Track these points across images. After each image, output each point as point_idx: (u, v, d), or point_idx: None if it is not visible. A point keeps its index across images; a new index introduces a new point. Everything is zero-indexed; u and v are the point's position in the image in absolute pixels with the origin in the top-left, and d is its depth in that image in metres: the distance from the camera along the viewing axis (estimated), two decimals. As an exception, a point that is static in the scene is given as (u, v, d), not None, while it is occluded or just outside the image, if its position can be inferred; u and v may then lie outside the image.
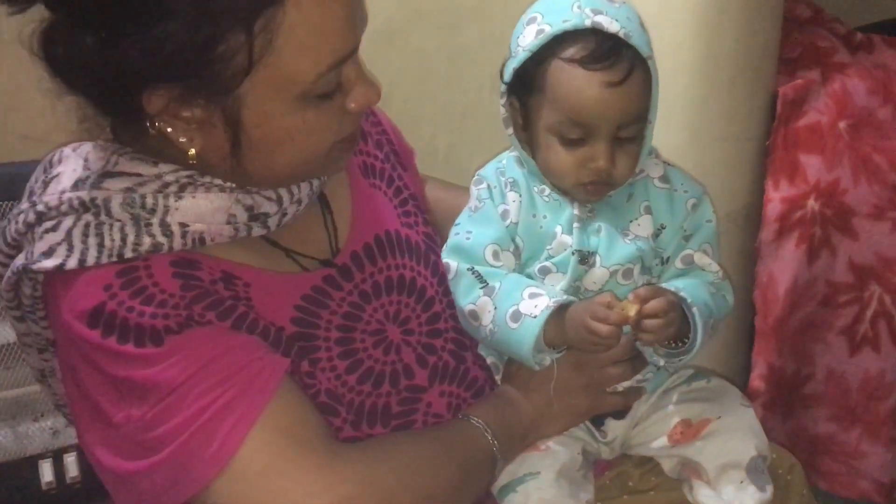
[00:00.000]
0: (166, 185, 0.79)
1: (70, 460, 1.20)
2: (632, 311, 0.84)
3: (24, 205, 0.81)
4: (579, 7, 0.87)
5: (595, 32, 0.86)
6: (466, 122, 1.54)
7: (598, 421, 0.96)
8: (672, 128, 1.44)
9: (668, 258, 0.95)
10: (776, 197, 1.47)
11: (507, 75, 0.91)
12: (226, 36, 0.71)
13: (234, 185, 0.81)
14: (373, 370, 0.88)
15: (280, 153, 0.79)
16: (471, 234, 0.94)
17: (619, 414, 0.96)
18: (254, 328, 0.81)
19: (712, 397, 0.96)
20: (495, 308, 0.90)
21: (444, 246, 0.97)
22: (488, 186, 0.95)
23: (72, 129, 0.83)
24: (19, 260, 0.80)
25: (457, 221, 0.97)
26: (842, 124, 1.50)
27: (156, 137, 0.77)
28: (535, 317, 0.87)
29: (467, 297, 0.92)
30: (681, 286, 0.90)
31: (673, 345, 0.89)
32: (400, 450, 0.83)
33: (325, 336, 0.86)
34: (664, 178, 0.97)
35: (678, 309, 0.87)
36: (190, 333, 0.76)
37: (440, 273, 0.97)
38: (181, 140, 0.77)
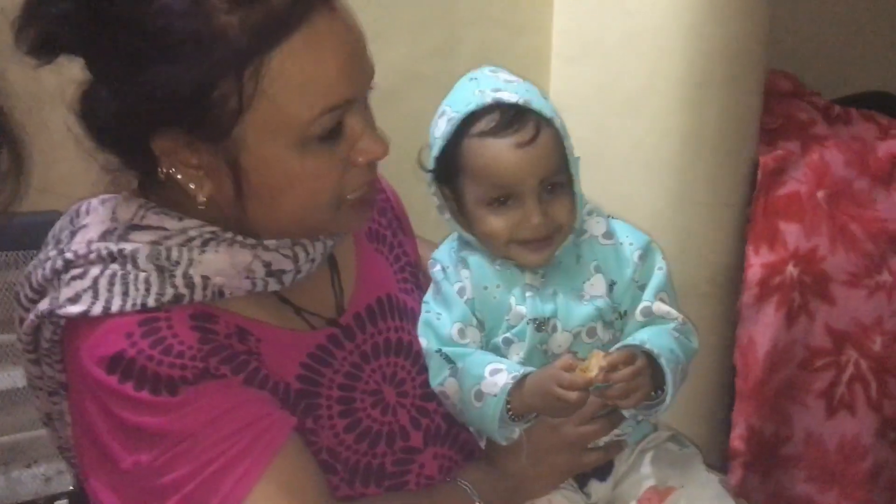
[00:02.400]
0: (190, 239, 0.82)
1: (61, 507, 1.21)
2: (594, 371, 0.86)
3: (52, 252, 0.84)
4: (480, 91, 0.93)
5: (498, 106, 0.92)
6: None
7: (582, 482, 0.98)
8: (656, 193, 1.50)
9: (626, 311, 0.97)
10: (756, 262, 1.52)
11: (431, 164, 0.95)
12: (219, 81, 0.75)
13: (254, 242, 0.84)
14: (370, 430, 0.91)
15: (282, 200, 0.82)
16: (440, 316, 0.97)
17: (602, 475, 0.98)
18: (265, 384, 0.84)
19: (680, 464, 0.98)
20: (461, 388, 0.93)
21: (419, 321, 0.99)
22: (442, 268, 0.99)
23: (88, 180, 0.87)
24: (44, 304, 0.82)
25: (424, 300, 1.01)
26: (820, 194, 1.56)
27: (175, 190, 0.81)
28: (495, 395, 0.90)
29: (437, 379, 0.96)
30: (645, 338, 0.91)
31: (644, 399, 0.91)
32: None
33: (328, 395, 0.89)
34: (607, 235, 0.99)
35: (646, 372, 0.89)
36: (204, 385, 0.79)
37: None
38: (191, 186, 0.81)
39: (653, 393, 0.91)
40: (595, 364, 0.86)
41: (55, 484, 1.21)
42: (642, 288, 0.97)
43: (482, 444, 0.99)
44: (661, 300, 0.96)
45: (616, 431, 0.97)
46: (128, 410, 0.77)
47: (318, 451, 0.87)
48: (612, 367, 0.86)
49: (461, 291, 0.96)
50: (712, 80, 1.47)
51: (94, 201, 0.87)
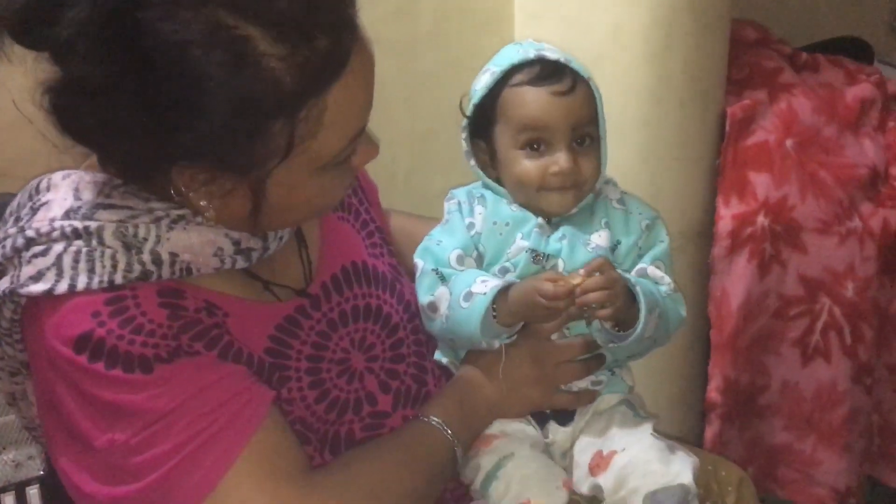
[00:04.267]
0: (158, 218, 0.81)
1: (32, 493, 1.20)
2: (575, 279, 0.90)
3: (11, 230, 0.82)
4: (523, 48, 1.00)
5: (539, 61, 0.98)
6: (425, 145, 1.57)
7: (542, 421, 1.00)
8: (626, 149, 1.49)
9: (627, 269, 1.00)
10: (727, 214, 1.51)
11: (468, 111, 1.00)
12: (268, 126, 0.74)
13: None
14: (338, 399, 0.91)
15: (296, 213, 0.85)
16: (440, 242, 1.00)
17: (563, 420, 0.99)
18: (238, 358, 0.83)
19: (629, 428, 0.97)
20: (451, 294, 0.96)
21: (417, 248, 1.02)
22: (458, 202, 1.03)
23: (45, 162, 0.84)
24: (3, 283, 0.80)
25: (430, 233, 1.03)
26: (789, 142, 1.55)
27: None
28: (484, 293, 0.93)
29: (428, 293, 0.98)
30: (628, 275, 0.96)
31: (619, 329, 0.95)
32: (368, 469, 0.86)
33: (296, 367, 0.89)
34: (621, 202, 1.04)
35: (623, 286, 0.92)
36: (179, 363, 0.78)
37: (405, 301, 1.01)
38: (202, 203, 0.80)
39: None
40: (576, 277, 0.90)
41: (25, 469, 1.19)
42: (642, 256, 1.02)
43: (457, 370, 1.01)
44: (657, 267, 1.01)
45: (592, 378, 0.99)
46: (100, 388, 0.76)
47: (293, 423, 0.87)
48: (590, 273, 0.90)
49: (470, 226, 1.00)
50: (677, 33, 1.46)
51: (56, 176, 0.85)
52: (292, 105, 0.74)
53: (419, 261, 1.01)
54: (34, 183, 0.85)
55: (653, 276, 0.99)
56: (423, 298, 0.99)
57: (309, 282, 0.93)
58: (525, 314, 0.94)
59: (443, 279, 0.98)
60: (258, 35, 0.71)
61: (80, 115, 0.75)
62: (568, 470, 0.98)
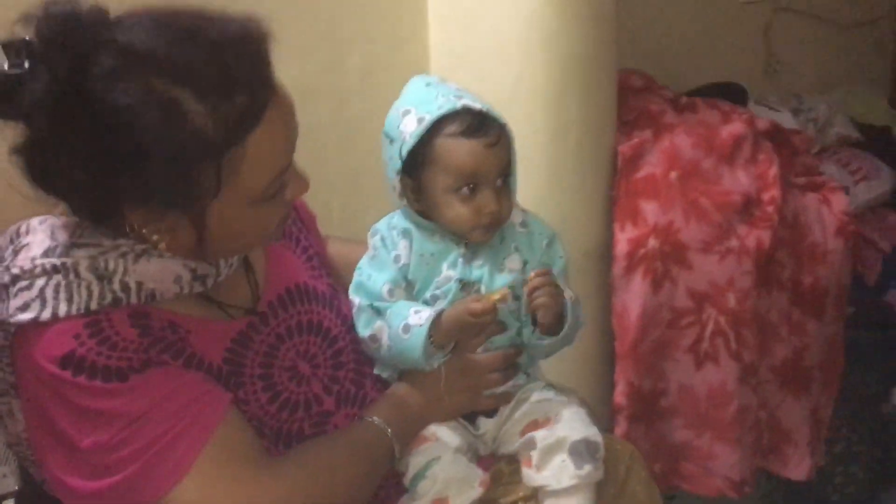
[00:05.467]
0: (125, 253, 0.96)
1: (7, 507, 1.29)
2: (495, 296, 1.09)
3: None
4: (444, 96, 1.12)
5: (466, 111, 1.11)
6: (356, 185, 1.75)
7: (471, 418, 1.18)
8: (533, 182, 1.68)
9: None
10: (623, 238, 1.72)
11: (401, 157, 1.13)
12: (199, 169, 0.89)
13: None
14: (289, 400, 1.07)
15: (238, 242, 1.00)
16: (371, 277, 1.16)
17: (490, 413, 1.18)
18: (200, 367, 0.99)
19: (556, 403, 1.17)
20: (389, 327, 1.11)
21: (351, 284, 1.18)
22: (381, 237, 1.18)
23: (16, 208, 0.98)
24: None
25: (359, 266, 1.19)
26: (673, 174, 1.77)
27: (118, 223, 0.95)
28: (420, 325, 1.09)
29: (367, 327, 1.14)
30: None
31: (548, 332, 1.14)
32: (318, 458, 1.02)
33: (250, 373, 1.04)
34: (524, 224, 1.21)
35: (558, 288, 1.12)
36: (150, 372, 0.93)
37: (342, 315, 1.17)
38: (154, 238, 0.95)
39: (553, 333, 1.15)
40: (496, 294, 1.08)
41: (0, 485, 1.28)
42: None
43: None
44: (561, 278, 1.18)
45: (510, 383, 1.17)
46: (83, 398, 0.91)
47: (250, 420, 1.02)
48: (539, 274, 1.10)
49: (396, 258, 1.14)
50: (572, 82, 1.67)
51: (33, 221, 0.99)
52: (216, 151, 0.89)
53: (354, 297, 1.16)
54: (14, 228, 1.00)
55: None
56: (364, 332, 1.15)
57: (256, 302, 1.09)
58: (458, 333, 1.11)
59: (378, 313, 1.14)
60: (185, 96, 0.87)
61: (45, 170, 0.91)
62: (500, 445, 1.16)
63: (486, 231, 1.15)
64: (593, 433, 1.13)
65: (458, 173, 1.11)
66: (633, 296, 1.72)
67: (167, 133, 0.86)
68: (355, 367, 1.15)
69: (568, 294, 1.17)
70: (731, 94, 2.18)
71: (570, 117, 1.69)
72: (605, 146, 1.76)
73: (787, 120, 2.19)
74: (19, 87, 0.86)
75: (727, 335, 1.77)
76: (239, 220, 0.96)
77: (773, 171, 1.86)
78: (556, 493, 1.10)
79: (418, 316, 1.10)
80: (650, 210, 1.73)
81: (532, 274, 1.12)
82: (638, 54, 2.06)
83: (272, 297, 1.10)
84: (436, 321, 1.10)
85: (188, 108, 0.87)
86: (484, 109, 1.12)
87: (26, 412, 0.98)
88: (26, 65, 0.85)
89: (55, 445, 0.94)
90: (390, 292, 1.14)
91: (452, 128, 1.11)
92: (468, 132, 1.11)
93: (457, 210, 1.13)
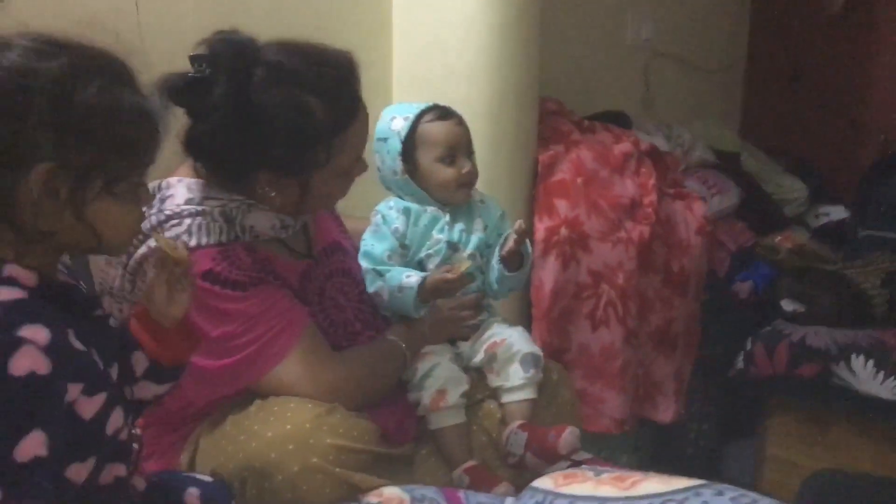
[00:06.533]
0: (240, 204, 1.37)
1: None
2: (463, 266, 1.52)
3: (152, 212, 1.34)
4: (415, 104, 1.60)
5: (436, 106, 1.60)
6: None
7: (452, 342, 1.63)
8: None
9: (491, 244, 1.65)
10: (541, 227, 2.20)
11: (401, 143, 1.58)
12: (316, 148, 1.31)
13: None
14: (333, 321, 1.49)
15: (320, 203, 1.42)
16: (373, 245, 1.59)
17: (465, 338, 1.64)
18: (284, 287, 1.40)
19: (506, 328, 1.65)
20: (388, 287, 1.55)
21: (359, 252, 1.61)
22: (382, 216, 1.61)
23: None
24: (152, 242, 1.31)
25: (363, 237, 1.62)
26: (579, 180, 2.26)
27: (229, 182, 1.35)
28: (411, 287, 1.54)
29: (372, 286, 1.58)
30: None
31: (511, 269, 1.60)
32: (364, 357, 1.47)
33: (310, 300, 1.46)
34: (482, 201, 1.69)
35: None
36: (260, 287, 1.34)
37: (360, 266, 1.61)
38: (271, 195, 1.35)
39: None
40: (464, 264, 1.52)
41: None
42: (499, 235, 1.64)
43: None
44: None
45: (478, 318, 1.63)
46: (218, 301, 1.31)
47: None
48: (517, 235, 1.54)
49: (395, 231, 1.57)
50: (506, 104, 2.14)
51: (171, 180, 1.38)
52: (329, 135, 1.33)
53: (363, 262, 1.59)
54: (156, 183, 1.38)
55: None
56: (370, 289, 1.58)
57: (310, 250, 1.51)
58: (437, 294, 1.56)
59: (379, 275, 1.57)
60: (312, 99, 1.30)
61: (206, 147, 1.31)
62: (470, 360, 1.62)
63: (466, 190, 1.60)
64: (536, 349, 1.61)
65: (442, 145, 1.58)
66: (548, 273, 2.19)
67: (299, 124, 1.29)
68: (370, 304, 1.59)
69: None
70: (619, 120, 2.70)
71: (504, 131, 2.16)
72: (529, 156, 2.24)
73: (661, 143, 2.71)
74: (201, 89, 1.25)
75: (616, 305, 2.26)
76: (328, 186, 1.39)
77: (652, 181, 2.38)
78: (510, 390, 1.57)
79: (409, 279, 1.55)
80: (562, 206, 2.22)
81: (518, 222, 1.59)
82: (548, 84, 2.55)
83: (320, 248, 1.52)
84: (422, 283, 1.54)
85: (314, 107, 1.30)
86: (445, 105, 1.61)
87: None
88: (207, 72, 1.25)
89: None
90: (389, 257, 1.59)
91: (430, 115, 1.60)
92: (443, 116, 1.60)
93: (443, 174, 1.58)
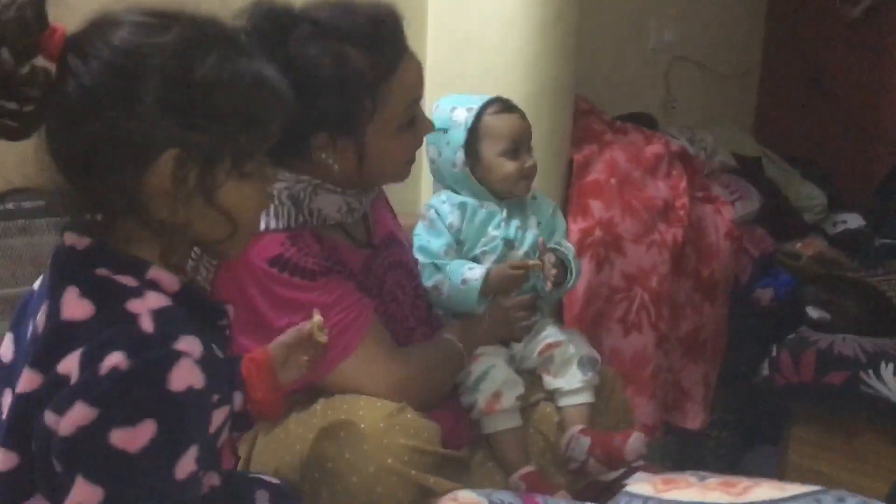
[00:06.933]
0: (306, 186, 1.31)
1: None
2: (530, 262, 1.49)
3: None
4: (471, 97, 1.56)
5: (498, 99, 1.56)
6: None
7: (506, 343, 1.58)
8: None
9: (545, 240, 1.59)
10: (575, 228, 2.16)
11: (466, 133, 1.53)
12: (360, 99, 1.26)
13: (340, 191, 1.34)
14: (392, 316, 1.43)
15: (384, 166, 1.35)
16: (429, 241, 1.54)
17: (519, 339, 1.59)
18: (350, 277, 1.34)
19: (563, 331, 1.60)
20: (449, 280, 1.50)
21: (414, 247, 1.56)
22: (436, 210, 1.56)
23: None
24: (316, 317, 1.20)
25: (416, 232, 1.56)
26: (613, 181, 2.24)
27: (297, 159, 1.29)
28: (476, 279, 1.49)
29: (430, 279, 1.52)
30: (563, 250, 1.58)
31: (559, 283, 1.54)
32: (426, 355, 1.42)
33: (372, 292, 1.40)
34: (534, 197, 1.64)
35: (561, 263, 1.53)
36: (329, 276, 1.29)
37: (415, 260, 1.55)
38: (329, 161, 1.29)
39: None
40: (532, 263, 1.49)
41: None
42: (552, 233, 1.61)
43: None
44: (564, 238, 1.63)
45: (531, 320, 1.58)
46: (285, 289, 1.25)
47: None
48: (543, 251, 1.50)
49: (450, 226, 1.53)
50: (543, 102, 2.10)
51: None
52: (371, 85, 1.27)
53: (419, 256, 1.53)
54: None
55: (565, 247, 1.60)
56: (427, 283, 1.52)
57: (370, 239, 1.45)
58: (501, 287, 1.52)
59: (438, 269, 1.52)
60: (351, 50, 1.26)
61: None
62: (523, 362, 1.56)
63: (527, 183, 1.56)
64: (593, 352, 1.56)
65: (507, 138, 1.54)
66: (582, 275, 2.16)
67: (339, 74, 1.25)
68: (425, 300, 1.53)
69: (569, 249, 1.60)
70: (646, 121, 2.68)
71: (540, 131, 2.05)
72: (564, 156, 2.21)
73: (686, 147, 2.70)
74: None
75: (649, 309, 2.23)
76: (385, 146, 1.32)
77: (684, 184, 2.36)
78: (569, 393, 1.52)
79: (473, 272, 1.50)
80: (596, 207, 2.19)
81: (540, 240, 1.53)
82: (577, 84, 2.52)
83: (378, 238, 1.47)
84: (486, 278, 1.49)
85: (353, 58, 1.26)
86: (510, 101, 1.57)
87: (233, 300, 1.24)
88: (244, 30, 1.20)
89: (254, 325, 1.25)
90: (446, 253, 1.54)
91: (495, 108, 1.56)
92: (507, 109, 1.56)
93: (507, 168, 1.54)
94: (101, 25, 0.89)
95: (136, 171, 0.89)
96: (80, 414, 0.83)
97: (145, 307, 0.88)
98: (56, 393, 0.85)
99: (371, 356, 1.30)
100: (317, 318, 1.12)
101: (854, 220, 3.13)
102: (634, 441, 1.43)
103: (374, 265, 1.43)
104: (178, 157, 0.89)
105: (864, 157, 3.26)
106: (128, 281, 0.90)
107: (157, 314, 0.88)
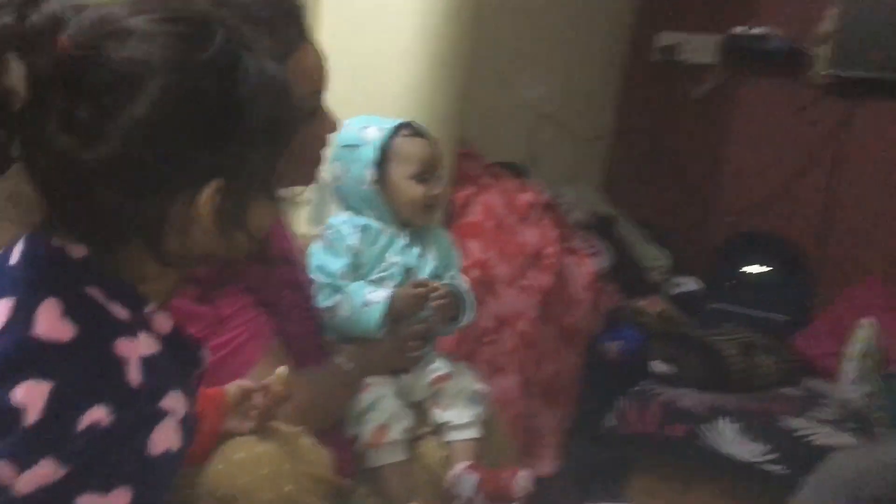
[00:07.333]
0: None
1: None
2: (431, 285, 1.47)
3: None
4: (382, 119, 1.53)
5: (409, 124, 1.53)
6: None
7: (394, 374, 1.53)
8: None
9: (441, 273, 1.58)
10: (452, 267, 2.17)
11: (374, 153, 1.49)
12: None
13: None
14: (290, 336, 1.36)
15: (296, 168, 1.25)
16: (328, 261, 1.49)
17: (407, 371, 1.54)
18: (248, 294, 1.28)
19: (448, 361, 1.58)
20: (350, 302, 1.45)
21: (311, 266, 1.50)
22: (336, 231, 1.51)
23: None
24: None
25: (312, 251, 1.51)
26: (489, 224, 2.27)
27: None
28: (379, 302, 1.45)
29: (327, 301, 1.47)
30: (458, 285, 1.57)
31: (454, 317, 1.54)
32: (325, 379, 1.39)
33: (268, 309, 1.33)
34: (434, 229, 1.61)
35: (455, 297, 1.52)
36: (227, 288, 1.23)
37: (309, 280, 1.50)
38: None
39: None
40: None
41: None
42: (448, 264, 1.59)
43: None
44: (458, 273, 1.61)
45: (423, 350, 1.55)
46: (180, 301, 1.14)
47: None
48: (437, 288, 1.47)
49: (349, 248, 1.48)
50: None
51: None
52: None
53: (316, 276, 1.48)
54: None
55: (459, 283, 1.59)
56: (323, 304, 1.47)
57: (267, 253, 1.37)
58: (405, 308, 1.47)
59: (336, 290, 1.47)
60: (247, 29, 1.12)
61: None
62: (411, 394, 1.53)
63: (433, 212, 1.54)
64: (481, 387, 1.55)
65: (417, 162, 1.50)
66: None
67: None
68: (318, 322, 1.47)
69: (463, 285, 1.59)
70: (516, 171, 2.74)
71: None
72: (446, 194, 2.21)
73: (553, 199, 2.78)
74: None
75: (516, 353, 2.27)
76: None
77: (554, 232, 2.43)
78: (458, 428, 1.50)
79: (376, 294, 1.46)
80: (474, 248, 2.21)
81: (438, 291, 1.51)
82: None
83: (273, 255, 1.39)
84: (391, 299, 1.46)
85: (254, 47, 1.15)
86: (417, 125, 1.55)
87: None
88: None
89: None
90: (343, 275, 1.48)
91: (407, 131, 1.53)
92: (419, 134, 1.52)
93: (414, 192, 1.50)
94: (114, 33, 0.74)
95: (160, 203, 0.77)
96: (46, 471, 0.71)
97: (136, 353, 0.77)
98: (5, 428, 0.72)
99: (271, 371, 1.23)
100: (281, 369, 1.06)
101: (690, 284, 3.33)
102: (521, 478, 1.43)
103: (270, 281, 1.36)
104: (220, 188, 0.78)
105: (703, 225, 3.48)
106: (120, 313, 0.79)
107: (147, 363, 0.78)
